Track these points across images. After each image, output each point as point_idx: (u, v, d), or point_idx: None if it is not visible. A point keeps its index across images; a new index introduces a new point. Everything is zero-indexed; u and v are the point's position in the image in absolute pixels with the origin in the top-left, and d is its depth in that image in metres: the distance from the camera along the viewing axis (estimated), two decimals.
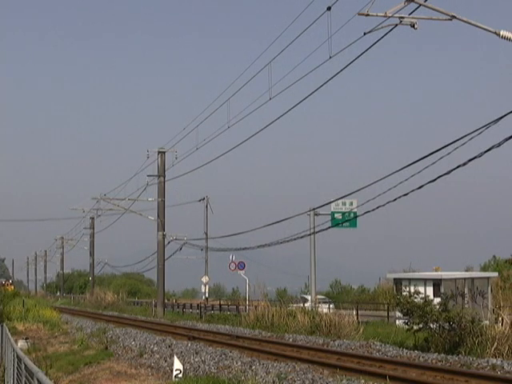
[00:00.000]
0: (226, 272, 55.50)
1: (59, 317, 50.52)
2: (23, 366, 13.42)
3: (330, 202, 40.55)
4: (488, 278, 37.59)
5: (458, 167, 19.22)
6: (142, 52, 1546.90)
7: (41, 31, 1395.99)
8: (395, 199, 23.07)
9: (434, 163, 20.03)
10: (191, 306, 61.49)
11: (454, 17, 19.08)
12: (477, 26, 18.89)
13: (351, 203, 42.77)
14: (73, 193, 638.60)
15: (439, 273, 37.66)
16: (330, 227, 37.95)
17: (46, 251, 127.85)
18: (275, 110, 29.89)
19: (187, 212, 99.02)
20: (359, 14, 18.79)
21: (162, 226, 51.32)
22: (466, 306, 28.33)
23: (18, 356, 15.47)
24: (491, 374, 16.72)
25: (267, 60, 31.35)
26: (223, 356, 21.45)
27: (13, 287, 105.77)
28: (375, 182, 23.98)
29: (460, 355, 20.18)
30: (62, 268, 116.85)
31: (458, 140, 18.78)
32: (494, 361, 18.56)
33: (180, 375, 18.03)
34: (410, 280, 35.85)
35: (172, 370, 18.39)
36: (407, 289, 27.61)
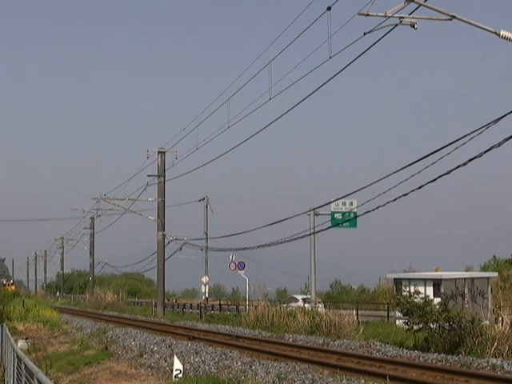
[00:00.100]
0: (225, 272, 55.52)
1: (59, 317, 50.51)
2: (23, 366, 13.42)
3: (330, 202, 40.55)
4: (488, 278, 37.60)
5: (458, 167, 19.23)
6: (142, 52, 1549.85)
7: (41, 31, 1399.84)
8: (395, 199, 23.07)
9: (434, 163, 20.03)
10: (191, 306, 61.48)
11: (453, 17, 19.07)
12: (477, 26, 18.88)
13: (351, 203, 42.77)
14: (73, 193, 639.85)
15: (439, 273, 37.65)
16: (330, 227, 37.95)
17: (46, 251, 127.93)
18: (275, 110, 29.93)
19: (187, 212, 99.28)
20: (359, 14, 18.78)
21: (161, 226, 51.31)
22: (466, 306, 28.30)
23: (17, 356, 15.47)
24: (491, 374, 16.71)
25: (267, 60, 31.28)
26: (223, 356, 21.44)
27: (14, 287, 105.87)
28: (375, 182, 23.99)
29: (460, 355, 20.17)
30: (62, 268, 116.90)
31: (458, 140, 18.78)
32: (494, 361, 18.56)
33: (180, 375, 18.03)
34: (410, 280, 35.85)
35: (172, 370, 18.39)
36: (407, 289, 27.62)
